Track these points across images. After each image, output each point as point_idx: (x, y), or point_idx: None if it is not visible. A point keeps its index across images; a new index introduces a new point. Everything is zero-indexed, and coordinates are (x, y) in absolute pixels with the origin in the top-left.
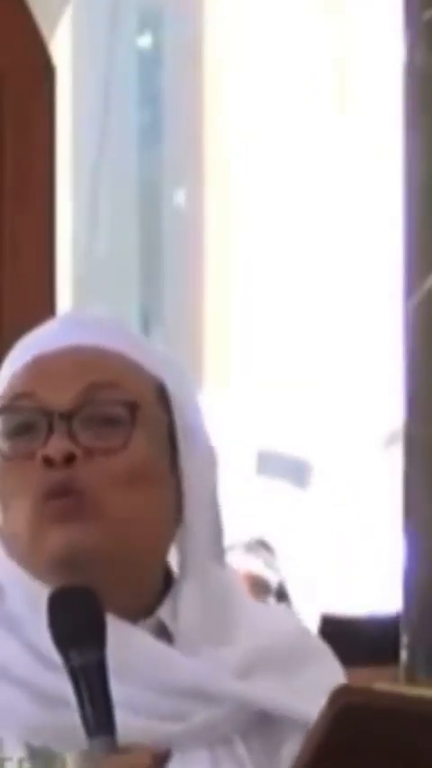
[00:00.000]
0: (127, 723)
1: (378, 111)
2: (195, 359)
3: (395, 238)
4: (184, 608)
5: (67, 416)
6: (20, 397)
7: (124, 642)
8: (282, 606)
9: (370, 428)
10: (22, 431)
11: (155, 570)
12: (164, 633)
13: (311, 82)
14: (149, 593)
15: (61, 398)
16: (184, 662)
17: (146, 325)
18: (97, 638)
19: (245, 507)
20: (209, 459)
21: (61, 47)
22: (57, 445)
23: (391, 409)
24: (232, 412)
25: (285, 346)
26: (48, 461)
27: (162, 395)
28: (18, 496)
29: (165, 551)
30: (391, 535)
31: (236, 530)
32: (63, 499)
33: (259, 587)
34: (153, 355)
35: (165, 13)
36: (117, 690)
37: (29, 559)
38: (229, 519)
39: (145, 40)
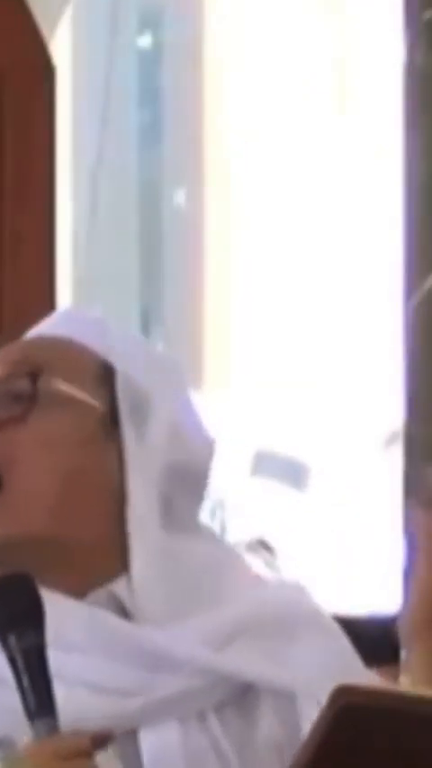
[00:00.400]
0: (87, 700)
1: (378, 110)
2: (195, 358)
3: (395, 238)
4: (139, 581)
5: None
6: None
7: (76, 618)
8: (289, 580)
9: (370, 428)
10: None
11: (98, 544)
12: (122, 608)
13: (311, 82)
14: (101, 569)
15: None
16: (139, 633)
17: (146, 325)
18: (35, 621)
19: (245, 507)
20: (165, 439)
21: (61, 47)
22: None
23: (391, 409)
24: (232, 411)
25: (285, 346)
26: None
27: (108, 376)
28: None
29: (106, 524)
30: (391, 535)
31: (236, 529)
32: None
33: None
34: (110, 341)
35: (165, 14)
36: (71, 666)
37: None
38: (230, 518)
39: (145, 40)
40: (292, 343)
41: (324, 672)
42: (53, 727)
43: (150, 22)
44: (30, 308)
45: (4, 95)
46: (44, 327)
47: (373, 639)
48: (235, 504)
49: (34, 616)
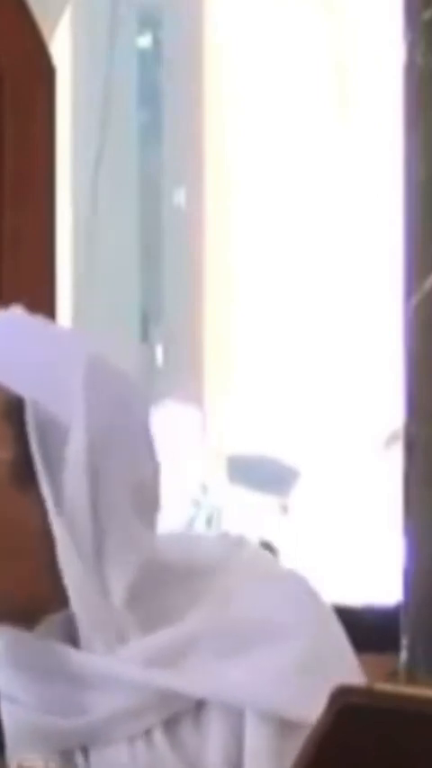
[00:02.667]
0: (33, 720)
1: (378, 110)
2: (195, 358)
3: (395, 238)
4: (79, 614)
5: None
6: None
7: (16, 647)
8: (284, 575)
9: (371, 428)
10: None
11: (37, 584)
12: (71, 637)
13: (311, 81)
14: (47, 604)
15: None
16: (84, 658)
17: (145, 325)
18: None
19: (240, 514)
20: (85, 478)
21: (61, 47)
22: None
23: (391, 409)
24: (233, 412)
25: (286, 345)
26: None
27: (13, 411)
28: None
29: (41, 565)
30: (391, 535)
31: (241, 531)
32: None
33: None
34: (11, 363)
35: (165, 14)
36: (14, 688)
37: None
38: (225, 527)
39: (145, 41)
40: (293, 342)
41: (274, 681)
42: None
43: (150, 22)
44: (30, 308)
45: (4, 95)
46: None
47: (370, 628)
48: (231, 511)
49: None
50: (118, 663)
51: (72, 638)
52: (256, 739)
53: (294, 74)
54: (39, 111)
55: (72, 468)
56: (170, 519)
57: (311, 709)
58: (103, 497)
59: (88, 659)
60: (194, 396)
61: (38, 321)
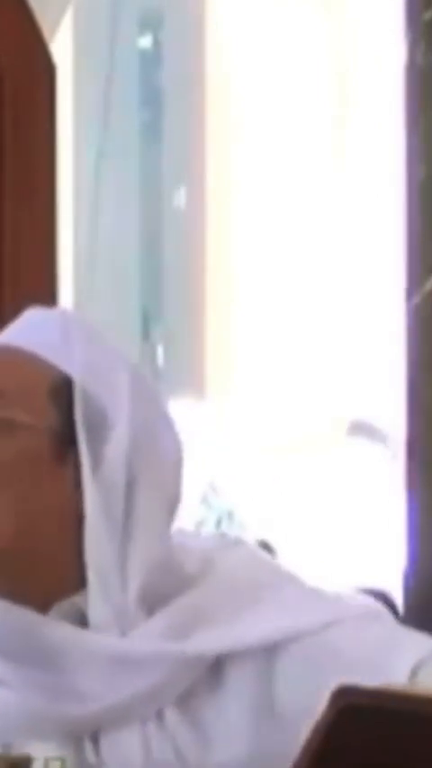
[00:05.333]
0: (43, 707)
1: (379, 110)
2: (196, 358)
3: (396, 239)
4: (95, 595)
5: None
6: None
7: (29, 630)
8: (242, 553)
9: (371, 428)
10: None
11: (59, 561)
12: (84, 619)
13: (312, 82)
14: (64, 582)
15: None
16: (96, 639)
17: (146, 325)
18: None
19: (253, 515)
20: (122, 459)
21: (62, 47)
22: None
23: (391, 409)
24: (235, 413)
25: (286, 344)
26: None
27: (65, 388)
28: None
29: (65, 542)
30: (392, 535)
31: (243, 529)
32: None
33: None
34: (70, 348)
35: (165, 15)
36: (23, 674)
37: None
38: (236, 528)
39: (146, 41)
40: (293, 341)
41: (290, 617)
42: None
43: (151, 23)
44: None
45: (4, 96)
46: (4, 336)
47: None
48: (243, 512)
49: None
50: (137, 643)
51: (84, 624)
52: (290, 665)
53: (295, 74)
54: (39, 111)
55: (113, 445)
56: (182, 520)
57: (333, 612)
58: (138, 479)
59: (108, 642)
60: (195, 394)
61: (87, 322)
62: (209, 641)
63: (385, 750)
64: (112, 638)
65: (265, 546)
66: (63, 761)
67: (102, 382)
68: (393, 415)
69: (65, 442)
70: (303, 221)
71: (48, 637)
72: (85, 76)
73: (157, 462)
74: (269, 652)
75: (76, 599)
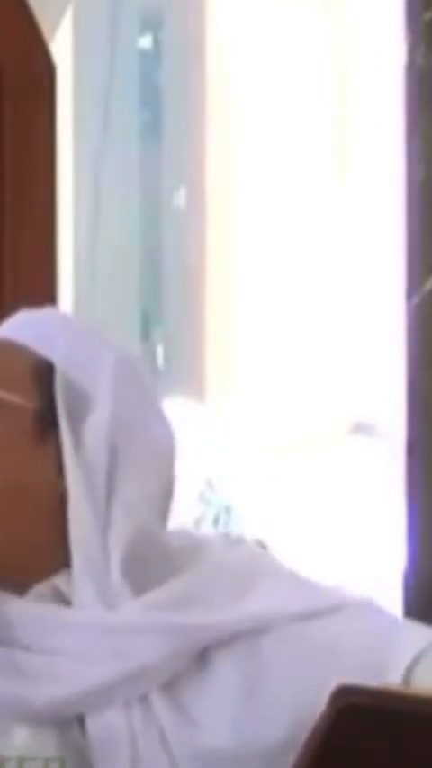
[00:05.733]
0: (27, 691)
1: (379, 111)
2: (196, 359)
3: (396, 239)
4: (79, 575)
5: None
6: None
7: (8, 613)
8: (243, 550)
9: (371, 429)
10: None
11: (40, 542)
12: (66, 600)
13: (312, 82)
14: (45, 564)
15: None
16: (75, 614)
17: (146, 325)
18: None
19: (251, 512)
20: (104, 439)
21: (62, 47)
22: None
23: (392, 410)
24: (234, 414)
25: (287, 345)
26: None
27: (47, 374)
28: None
29: (47, 523)
30: (393, 536)
31: (240, 526)
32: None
33: None
34: (55, 337)
35: (166, 15)
36: (9, 658)
37: None
38: (234, 525)
39: (146, 41)
40: (293, 341)
41: (282, 600)
42: None
43: (151, 22)
44: (31, 308)
45: (5, 95)
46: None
47: None
48: (241, 510)
49: None
50: (114, 614)
51: (66, 604)
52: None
53: (295, 74)
54: (39, 111)
55: (94, 427)
56: (178, 517)
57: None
58: (119, 459)
59: (82, 614)
60: (195, 394)
61: (75, 317)
62: (199, 618)
63: (385, 750)
64: (94, 612)
65: (261, 545)
66: (63, 761)
67: (85, 368)
68: (393, 415)
69: (47, 423)
70: (303, 221)
71: (23, 616)
72: (85, 76)
73: (146, 448)
74: (258, 635)
75: (56, 580)
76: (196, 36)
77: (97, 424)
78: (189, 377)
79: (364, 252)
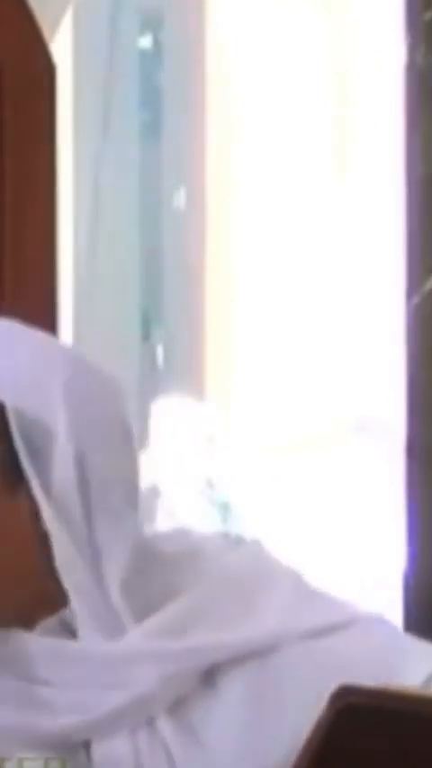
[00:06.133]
0: (36, 722)
1: (379, 111)
2: (196, 359)
3: (396, 239)
4: (80, 610)
5: None
6: None
7: (14, 648)
8: (243, 552)
9: (372, 429)
10: None
11: (37, 583)
12: (72, 632)
13: (312, 82)
14: (50, 600)
15: None
16: (77, 646)
17: (146, 325)
18: None
19: (253, 512)
20: (73, 478)
21: (62, 47)
22: None
23: (392, 410)
24: (234, 415)
25: (287, 345)
26: None
27: (2, 414)
28: None
29: (38, 564)
30: (393, 537)
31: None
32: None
33: None
34: (2, 377)
35: (166, 15)
36: (10, 689)
37: None
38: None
39: (146, 41)
40: (294, 342)
41: (290, 618)
42: None
43: (151, 22)
44: (31, 309)
45: (4, 95)
46: None
47: None
48: (242, 509)
49: None
50: (116, 644)
51: (73, 635)
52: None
53: (295, 74)
54: (39, 111)
55: (59, 461)
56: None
57: (334, 614)
58: (91, 486)
59: (85, 646)
60: (195, 395)
61: (17, 328)
62: (203, 640)
63: (385, 750)
64: (97, 644)
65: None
66: (63, 761)
67: (36, 396)
68: (393, 415)
69: (12, 472)
70: (303, 221)
71: (32, 650)
72: (85, 76)
73: (111, 459)
74: (265, 654)
75: (62, 614)
76: (196, 36)
77: (62, 461)
78: (189, 377)
79: (364, 251)
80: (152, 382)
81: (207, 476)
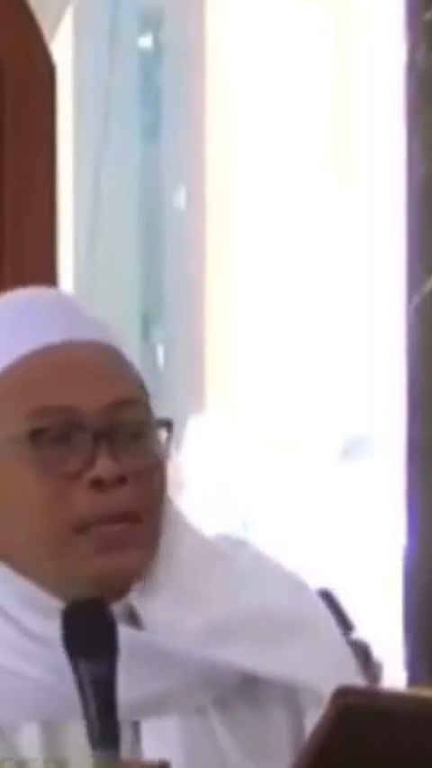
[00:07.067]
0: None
1: (379, 111)
2: (196, 360)
3: (396, 240)
4: (148, 589)
5: (108, 434)
6: (55, 410)
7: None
8: (286, 575)
9: (372, 429)
10: (54, 442)
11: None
12: (134, 617)
13: (312, 82)
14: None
15: (95, 413)
16: (140, 636)
17: (146, 325)
18: (108, 651)
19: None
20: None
21: (62, 47)
22: (108, 467)
23: (393, 411)
24: (235, 417)
25: (287, 346)
26: (98, 484)
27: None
28: (39, 510)
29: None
30: (393, 537)
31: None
32: (116, 525)
33: None
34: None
35: (166, 14)
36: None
37: (45, 574)
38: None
39: (146, 41)
40: (294, 343)
41: (322, 668)
42: (114, 758)
43: (151, 22)
44: None
45: (5, 95)
46: (79, 331)
47: None
48: (259, 517)
49: (108, 647)
50: (178, 641)
51: (133, 622)
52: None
53: (295, 75)
54: (40, 112)
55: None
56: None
57: None
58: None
59: (149, 636)
60: (195, 395)
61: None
62: (244, 654)
63: (385, 750)
64: (161, 637)
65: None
66: (63, 761)
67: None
68: (394, 414)
69: None
70: (304, 221)
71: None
72: (85, 76)
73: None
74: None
75: (131, 600)
76: (196, 36)
77: None
78: (189, 377)
79: (364, 251)
80: (152, 382)
81: (221, 477)
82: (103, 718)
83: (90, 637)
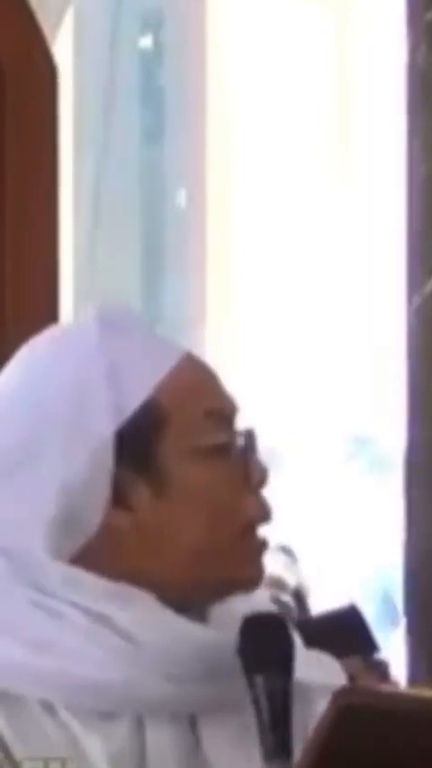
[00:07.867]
0: (155, 690)
1: (380, 111)
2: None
3: (396, 240)
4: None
5: (248, 437)
6: (222, 415)
7: (164, 627)
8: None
9: (372, 430)
10: (219, 450)
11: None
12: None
13: (313, 82)
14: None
15: (237, 417)
16: (196, 631)
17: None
18: (286, 666)
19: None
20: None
21: (64, 48)
22: (263, 469)
23: (393, 411)
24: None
25: (287, 342)
26: (261, 486)
27: None
28: (214, 515)
29: None
30: (392, 539)
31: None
32: (261, 528)
33: (276, 585)
34: None
35: (166, 15)
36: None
37: (203, 575)
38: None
39: (146, 41)
40: (294, 340)
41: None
42: None
43: (152, 23)
44: (32, 309)
45: (5, 95)
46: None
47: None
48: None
49: (285, 660)
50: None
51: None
52: None
53: (296, 74)
54: (41, 112)
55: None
56: None
57: None
58: None
59: (205, 632)
60: None
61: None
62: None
63: (385, 750)
64: (212, 632)
65: (285, 550)
66: (63, 761)
67: None
68: (394, 415)
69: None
70: (304, 221)
71: (161, 627)
72: (86, 77)
73: None
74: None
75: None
76: (197, 36)
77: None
78: None
79: (365, 252)
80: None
81: None
82: (279, 730)
83: (267, 649)
